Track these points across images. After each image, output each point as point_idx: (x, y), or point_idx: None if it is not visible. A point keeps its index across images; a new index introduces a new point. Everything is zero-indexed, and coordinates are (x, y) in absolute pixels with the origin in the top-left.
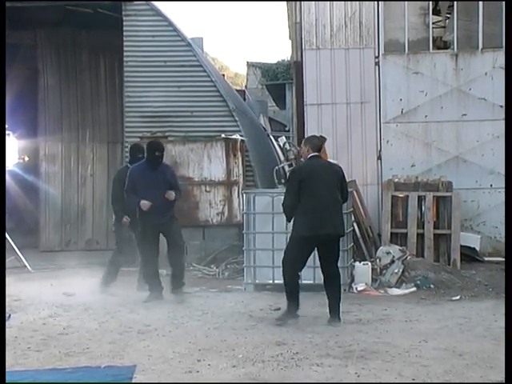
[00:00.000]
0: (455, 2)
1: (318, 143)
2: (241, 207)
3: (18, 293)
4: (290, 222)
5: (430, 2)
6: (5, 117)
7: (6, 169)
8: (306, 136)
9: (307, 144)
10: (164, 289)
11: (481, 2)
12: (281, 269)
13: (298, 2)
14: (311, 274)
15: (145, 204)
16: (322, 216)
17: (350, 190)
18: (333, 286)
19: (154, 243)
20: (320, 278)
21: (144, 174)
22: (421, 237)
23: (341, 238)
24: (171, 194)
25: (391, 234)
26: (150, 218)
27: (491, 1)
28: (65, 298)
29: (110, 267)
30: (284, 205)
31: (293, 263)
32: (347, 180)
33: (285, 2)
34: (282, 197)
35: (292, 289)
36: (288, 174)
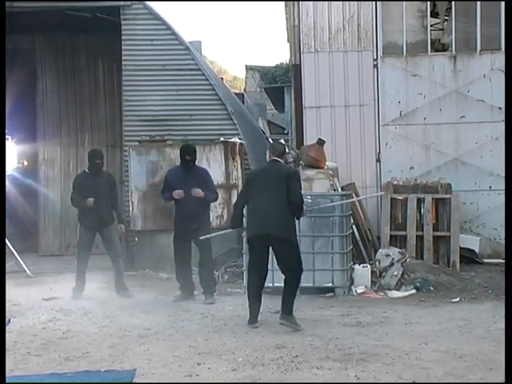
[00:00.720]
0: (453, 4)
1: (280, 149)
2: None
3: (17, 297)
4: (234, 225)
5: (428, 4)
6: (5, 121)
7: (6, 173)
8: (304, 139)
9: (269, 150)
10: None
11: (479, 4)
12: (280, 271)
13: (296, 5)
14: (310, 276)
15: (179, 193)
16: (262, 217)
17: (349, 192)
18: (284, 288)
19: (185, 245)
20: (319, 281)
21: (178, 176)
22: (420, 239)
23: (290, 242)
24: (199, 192)
25: (390, 236)
26: (182, 220)
27: (489, 1)
28: (64, 302)
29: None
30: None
31: (248, 267)
32: (347, 183)
33: (283, 6)
34: None
35: (248, 293)
36: None
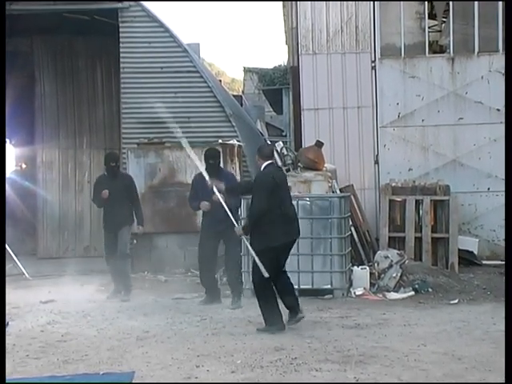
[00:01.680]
0: (451, 6)
1: (268, 150)
2: (239, 212)
3: (15, 300)
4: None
5: (426, 6)
6: (4, 123)
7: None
8: (302, 141)
9: (257, 154)
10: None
11: (476, 6)
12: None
13: (294, 7)
14: (309, 278)
15: (205, 206)
16: (292, 222)
17: (347, 194)
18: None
19: (212, 249)
20: (317, 283)
21: (204, 181)
22: (419, 241)
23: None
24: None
25: (389, 238)
26: (209, 224)
27: (487, 1)
28: (63, 304)
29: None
30: (257, 209)
31: (269, 277)
32: (345, 184)
33: (281, 8)
34: None
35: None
36: (256, 180)
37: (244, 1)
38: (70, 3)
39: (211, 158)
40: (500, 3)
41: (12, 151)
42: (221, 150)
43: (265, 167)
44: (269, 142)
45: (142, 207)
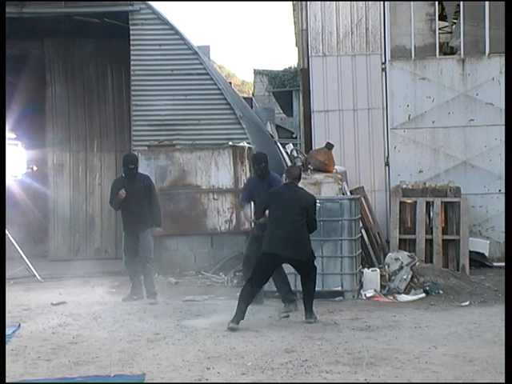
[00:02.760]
0: (461, 7)
1: (296, 173)
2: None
3: (27, 302)
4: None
5: (437, 8)
6: (5, 119)
7: (15, 178)
8: (313, 143)
9: (285, 173)
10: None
11: (487, 7)
12: (289, 276)
13: (304, 10)
14: (320, 280)
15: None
16: (280, 239)
17: (357, 196)
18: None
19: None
20: (328, 285)
21: (256, 185)
22: (429, 243)
23: (307, 262)
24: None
25: (399, 240)
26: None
27: (497, 0)
28: (74, 306)
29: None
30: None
31: (251, 275)
32: (355, 186)
33: (291, 10)
34: None
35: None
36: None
37: (254, 1)
38: (81, 6)
39: (257, 162)
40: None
41: (23, 153)
42: (231, 151)
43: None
44: (296, 166)
45: (160, 208)
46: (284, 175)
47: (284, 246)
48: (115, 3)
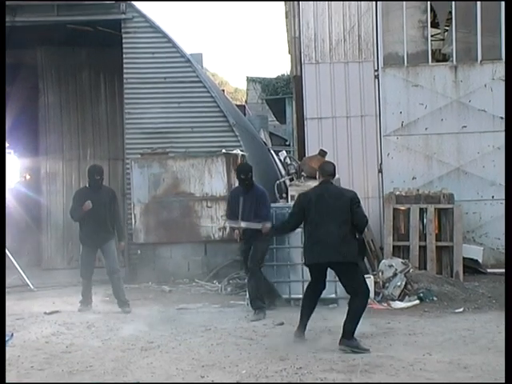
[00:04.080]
0: (453, 15)
1: (330, 169)
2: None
3: (20, 311)
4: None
5: (429, 15)
6: (5, 129)
7: (9, 187)
8: (306, 150)
9: (319, 170)
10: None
11: (479, 14)
12: (283, 284)
13: (296, 17)
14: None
15: (236, 234)
16: (325, 243)
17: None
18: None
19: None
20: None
21: (238, 197)
22: (423, 249)
23: (353, 265)
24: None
25: (393, 246)
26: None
27: (489, 1)
28: (67, 315)
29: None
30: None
31: (308, 285)
32: None
33: (284, 17)
34: (284, 211)
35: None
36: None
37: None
38: (74, 15)
39: (244, 173)
40: (503, 12)
41: (16, 162)
42: (225, 159)
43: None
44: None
45: (122, 222)
46: (317, 173)
47: (330, 251)
48: (108, 11)
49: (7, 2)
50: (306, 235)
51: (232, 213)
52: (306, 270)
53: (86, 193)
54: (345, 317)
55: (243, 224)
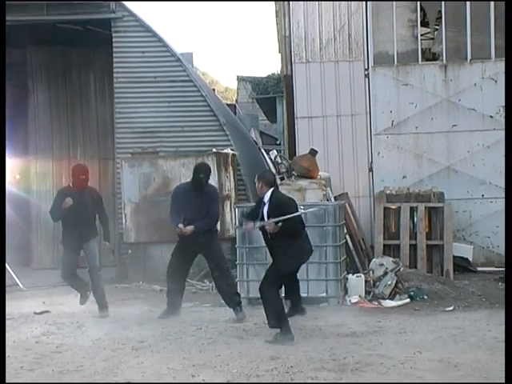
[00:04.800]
0: (443, 14)
1: (271, 178)
2: (233, 221)
3: (10, 311)
4: None
5: (419, 14)
6: (4, 127)
7: None
8: (297, 149)
9: (260, 180)
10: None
11: (468, 14)
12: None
13: (286, 16)
14: (304, 286)
15: (184, 230)
16: None
17: (342, 202)
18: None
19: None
20: (313, 291)
21: (188, 196)
22: (413, 248)
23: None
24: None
25: (384, 245)
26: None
27: (479, 0)
28: (58, 315)
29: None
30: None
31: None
32: (339, 192)
33: (274, 17)
34: None
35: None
36: (288, 203)
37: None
38: (63, 14)
39: (202, 172)
40: (492, 11)
41: (7, 162)
42: (215, 158)
43: (277, 192)
44: (269, 170)
45: (109, 223)
46: (259, 183)
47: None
48: (98, 10)
49: None
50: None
51: (176, 212)
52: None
53: (69, 192)
54: None
55: (258, 224)
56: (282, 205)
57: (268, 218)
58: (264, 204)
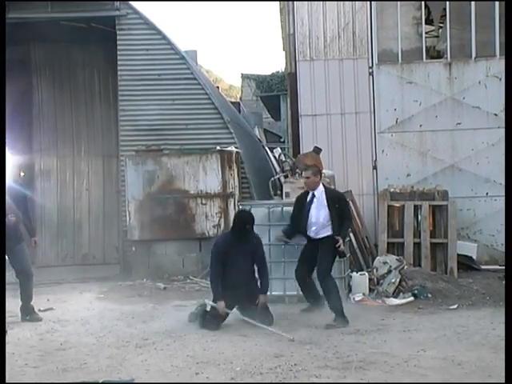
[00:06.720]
0: (448, 11)
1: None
2: None
3: (14, 308)
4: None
5: (423, 12)
6: (4, 121)
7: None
8: (301, 147)
9: (310, 171)
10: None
11: (473, 11)
12: (275, 280)
13: (291, 14)
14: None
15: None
16: None
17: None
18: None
19: None
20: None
21: (233, 246)
22: (417, 246)
23: None
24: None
25: (388, 243)
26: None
27: (484, 0)
28: (62, 312)
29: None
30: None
31: None
32: (344, 190)
33: (278, 14)
34: (279, 208)
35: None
36: (342, 198)
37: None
38: (68, 11)
39: (247, 223)
40: (497, 8)
41: (10, 159)
42: (219, 156)
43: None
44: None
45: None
46: (312, 176)
47: None
48: (102, 7)
49: None
50: None
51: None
52: None
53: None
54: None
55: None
56: (341, 200)
57: (329, 213)
58: (313, 197)
